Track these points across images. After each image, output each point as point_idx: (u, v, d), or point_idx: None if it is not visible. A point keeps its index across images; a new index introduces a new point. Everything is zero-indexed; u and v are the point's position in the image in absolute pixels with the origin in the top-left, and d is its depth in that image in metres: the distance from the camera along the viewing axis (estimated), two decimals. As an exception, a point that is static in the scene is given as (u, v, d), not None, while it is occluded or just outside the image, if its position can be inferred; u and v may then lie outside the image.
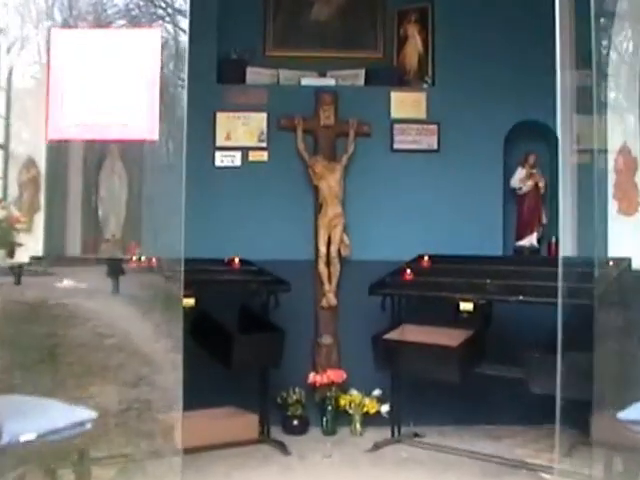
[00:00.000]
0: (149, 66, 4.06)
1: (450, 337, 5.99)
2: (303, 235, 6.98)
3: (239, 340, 6.14)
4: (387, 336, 6.33)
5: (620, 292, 5.09)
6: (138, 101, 4.03)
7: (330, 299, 6.94)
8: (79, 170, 6.97)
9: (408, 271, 6.42)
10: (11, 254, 5.98)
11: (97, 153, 7.03)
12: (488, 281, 5.97)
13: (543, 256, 7.14)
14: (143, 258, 6.27)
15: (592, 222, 6.39)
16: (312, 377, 6.86)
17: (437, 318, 6.13)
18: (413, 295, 6.30)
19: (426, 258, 6.60)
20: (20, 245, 6.03)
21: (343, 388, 6.87)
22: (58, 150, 6.46)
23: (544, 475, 5.68)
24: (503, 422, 7.00)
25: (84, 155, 7.01)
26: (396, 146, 7.12)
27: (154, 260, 6.12)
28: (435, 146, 7.14)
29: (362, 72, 7.25)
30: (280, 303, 6.39)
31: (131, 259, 6.38)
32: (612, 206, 6.17)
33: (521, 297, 5.65)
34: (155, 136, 4.27)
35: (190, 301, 5.79)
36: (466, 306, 5.78)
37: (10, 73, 6.39)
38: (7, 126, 6.48)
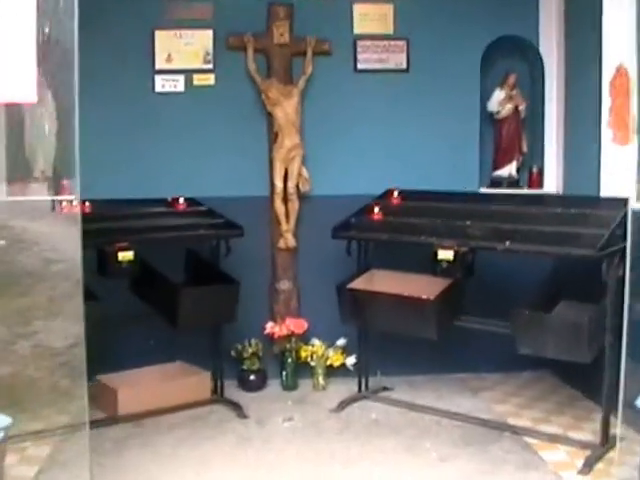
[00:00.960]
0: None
1: (425, 286, 5.38)
2: (256, 169, 6.42)
3: (185, 294, 5.49)
4: (353, 285, 5.72)
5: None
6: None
7: (288, 240, 6.41)
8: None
9: (376, 210, 5.76)
10: None
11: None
12: (468, 223, 5.32)
13: (533, 193, 6.56)
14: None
15: (582, 152, 5.83)
16: (270, 328, 6.38)
17: (410, 263, 5.54)
18: (383, 240, 5.61)
19: (396, 193, 5.96)
20: None
21: (304, 338, 6.41)
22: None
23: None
24: (479, 370, 6.62)
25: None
26: (360, 66, 6.53)
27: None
28: (404, 65, 6.56)
29: None
30: (232, 248, 5.80)
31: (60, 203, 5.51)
32: (605, 135, 5.45)
33: (508, 243, 4.98)
34: (33, 98, 3.79)
35: (128, 254, 5.21)
36: (445, 254, 5.12)
37: None
38: None
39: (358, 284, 5.76)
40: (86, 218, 5.26)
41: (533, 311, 4.86)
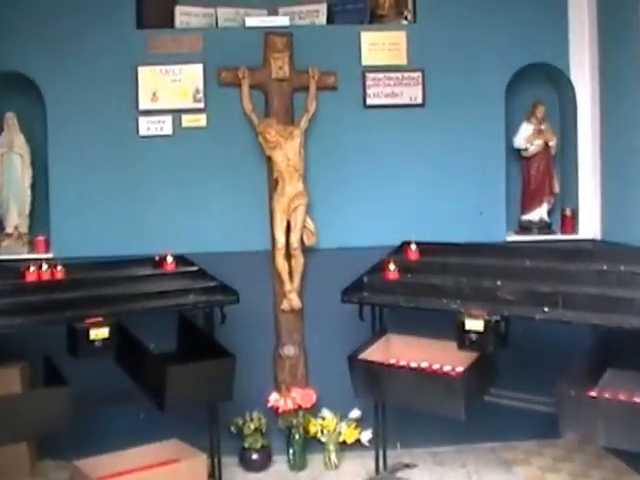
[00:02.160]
0: None
1: (451, 357, 4.81)
2: (255, 221, 5.91)
3: (172, 373, 4.75)
4: (367, 356, 5.08)
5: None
6: None
7: (293, 301, 5.84)
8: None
9: (391, 266, 5.14)
10: None
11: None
12: (499, 283, 4.67)
13: (567, 239, 6.08)
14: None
15: (622, 192, 5.33)
16: (273, 400, 5.82)
17: (431, 326, 4.95)
18: (400, 305, 4.99)
19: (413, 247, 5.35)
20: None
21: (313, 410, 5.84)
22: None
23: None
24: (509, 438, 6.05)
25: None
26: (370, 101, 6.00)
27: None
28: (419, 99, 6.02)
29: (323, 7, 6.15)
30: (230, 309, 5.18)
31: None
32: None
33: (547, 310, 4.33)
34: None
35: (102, 332, 4.52)
36: (474, 325, 4.44)
37: None
38: None
39: (373, 354, 5.14)
40: (55, 286, 4.85)
41: (579, 387, 4.12)
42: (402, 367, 4.93)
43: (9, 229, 5.86)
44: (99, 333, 4.49)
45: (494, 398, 4.80)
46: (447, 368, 4.86)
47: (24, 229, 5.91)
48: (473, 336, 4.43)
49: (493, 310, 4.44)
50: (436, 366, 4.93)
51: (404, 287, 5.05)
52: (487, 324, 4.38)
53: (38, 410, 4.40)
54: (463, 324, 4.47)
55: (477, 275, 4.87)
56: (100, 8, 5.70)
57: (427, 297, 4.87)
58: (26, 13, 5.65)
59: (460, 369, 4.73)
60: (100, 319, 4.51)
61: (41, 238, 5.82)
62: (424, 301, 4.84)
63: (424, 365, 4.95)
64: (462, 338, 4.50)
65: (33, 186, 5.90)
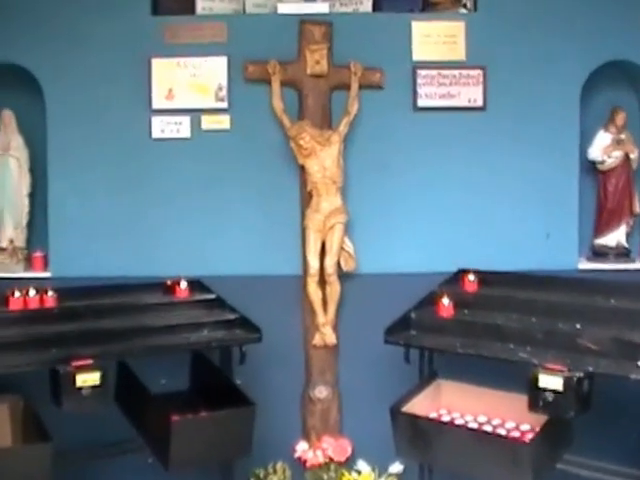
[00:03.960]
0: None
1: (516, 411, 4.17)
2: (284, 240, 5.48)
3: (180, 426, 4.10)
4: (413, 408, 4.40)
5: None
6: None
7: (326, 335, 5.37)
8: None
9: (444, 301, 4.55)
10: None
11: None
12: (578, 327, 4.04)
13: None
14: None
15: None
16: (301, 451, 5.37)
17: (490, 372, 4.35)
18: (456, 351, 4.34)
19: (470, 276, 4.81)
20: None
21: (347, 463, 5.40)
22: None
23: None
24: None
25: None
26: (421, 102, 5.54)
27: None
28: (479, 102, 5.54)
29: None
30: (251, 346, 4.66)
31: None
32: None
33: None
34: None
35: (91, 377, 3.86)
36: (550, 382, 3.69)
37: None
38: None
39: (420, 404, 4.51)
40: (42, 316, 4.31)
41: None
42: (457, 426, 4.28)
43: (3, 243, 5.41)
44: (87, 379, 3.86)
45: (569, 466, 4.13)
46: (510, 425, 4.25)
47: (20, 243, 5.44)
48: (549, 396, 3.72)
49: (574, 364, 3.75)
50: (496, 421, 4.32)
51: (460, 326, 4.47)
52: (567, 382, 3.67)
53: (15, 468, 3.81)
54: (536, 380, 3.76)
55: (549, 314, 4.29)
56: None
57: (489, 340, 4.25)
58: None
59: (526, 427, 4.17)
60: (89, 361, 3.88)
61: (39, 254, 5.40)
62: (485, 346, 4.20)
63: (482, 421, 4.35)
64: (535, 397, 3.78)
65: (32, 195, 5.48)
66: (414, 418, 4.33)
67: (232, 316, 4.70)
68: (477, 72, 5.49)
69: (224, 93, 5.45)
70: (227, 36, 5.47)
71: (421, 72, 5.51)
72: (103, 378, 3.90)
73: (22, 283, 4.65)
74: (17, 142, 5.37)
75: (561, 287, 4.54)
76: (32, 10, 5.29)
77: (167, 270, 5.11)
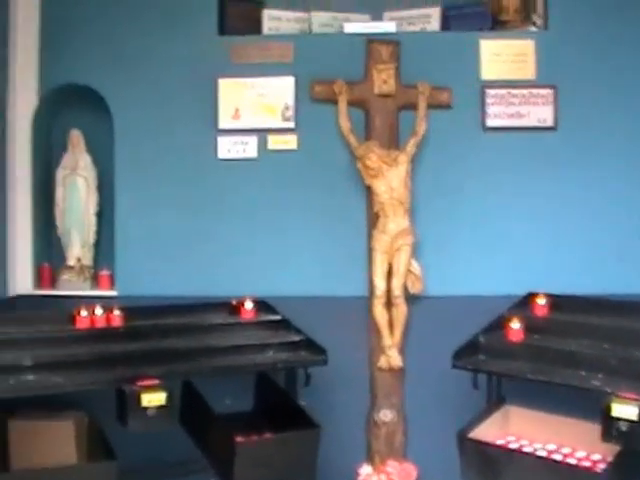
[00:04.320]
0: None
1: (585, 440, 4.06)
2: (350, 261, 5.39)
3: (244, 447, 4.10)
4: (481, 432, 4.30)
5: None
6: None
7: (392, 358, 5.21)
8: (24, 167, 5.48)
9: (514, 325, 4.42)
10: None
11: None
12: None
13: None
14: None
15: None
16: (365, 474, 5.19)
17: (560, 399, 4.26)
18: (526, 376, 4.22)
19: (541, 300, 4.66)
20: None
21: None
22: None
23: None
24: None
25: (32, 152, 5.49)
26: (490, 122, 5.43)
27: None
28: (550, 121, 5.40)
29: (436, 11, 5.67)
30: (316, 368, 4.66)
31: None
32: None
33: None
34: None
35: (156, 397, 3.84)
36: (624, 411, 3.57)
37: None
38: None
39: (487, 430, 4.38)
40: (109, 335, 4.34)
41: None
42: (526, 454, 4.15)
43: (70, 261, 5.44)
44: (153, 399, 3.85)
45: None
46: (580, 454, 4.11)
47: (87, 261, 5.48)
48: (623, 425, 3.58)
49: (654, 393, 3.61)
50: (566, 450, 4.18)
51: (530, 351, 4.33)
52: (644, 411, 3.54)
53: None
54: (610, 409, 3.62)
55: (623, 341, 4.13)
56: (177, 12, 5.40)
57: (560, 367, 4.11)
58: (92, 18, 5.38)
59: (597, 457, 4.03)
60: (155, 381, 3.88)
61: (105, 273, 5.42)
62: (556, 373, 4.06)
63: (551, 449, 4.22)
64: (608, 427, 3.64)
65: (99, 214, 5.53)
66: (481, 444, 4.22)
67: (297, 337, 4.66)
68: (547, 91, 5.36)
69: (291, 113, 5.40)
70: (294, 56, 5.43)
71: (490, 91, 5.42)
72: (169, 398, 3.89)
73: (88, 301, 4.66)
74: (85, 161, 5.42)
75: (635, 312, 4.38)
76: (99, 31, 5.34)
77: (232, 290, 5.08)
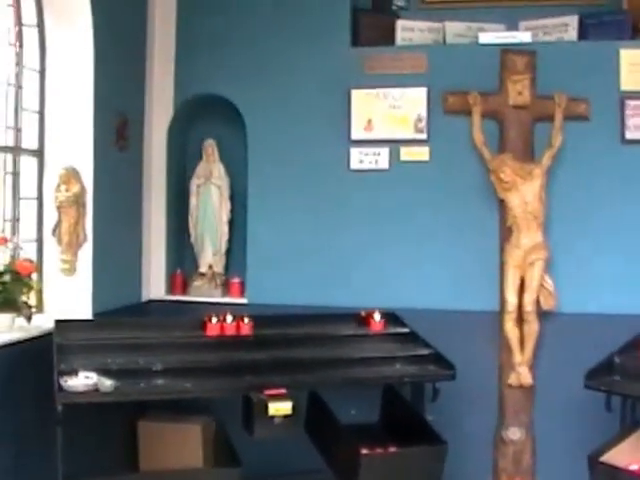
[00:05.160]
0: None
1: None
2: (481, 275, 5.31)
3: (368, 460, 4.10)
4: (613, 457, 4.12)
5: None
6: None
7: (522, 375, 5.13)
8: (159, 176, 5.64)
9: None
10: (28, 318, 4.24)
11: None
12: None
13: None
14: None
15: None
16: None
17: None
18: None
19: None
20: (29, 307, 4.28)
21: None
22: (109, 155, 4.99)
23: None
24: None
25: (168, 161, 5.63)
26: (630, 135, 5.26)
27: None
28: None
29: (574, 20, 5.57)
30: (443, 383, 4.54)
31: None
32: None
33: None
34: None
35: (283, 407, 3.88)
36: None
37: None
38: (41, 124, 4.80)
39: (620, 455, 4.20)
40: (238, 343, 4.39)
41: None
42: None
43: (203, 268, 5.57)
44: (280, 408, 3.90)
45: None
46: None
47: (219, 269, 5.60)
48: None
49: None
50: None
51: None
52: None
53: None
54: None
55: None
56: (310, 24, 5.49)
57: None
58: (229, 30, 5.48)
59: None
60: (283, 391, 3.92)
61: (236, 281, 5.53)
62: None
63: None
64: None
65: (231, 222, 5.62)
66: (613, 469, 4.08)
67: (426, 351, 4.61)
68: (692, 103, 5.14)
69: (423, 124, 5.40)
70: (427, 67, 5.44)
71: (630, 102, 5.28)
72: (295, 407, 3.93)
73: (218, 308, 4.73)
74: (219, 171, 5.52)
75: None
76: (234, 43, 5.44)
77: (360, 301, 5.11)
